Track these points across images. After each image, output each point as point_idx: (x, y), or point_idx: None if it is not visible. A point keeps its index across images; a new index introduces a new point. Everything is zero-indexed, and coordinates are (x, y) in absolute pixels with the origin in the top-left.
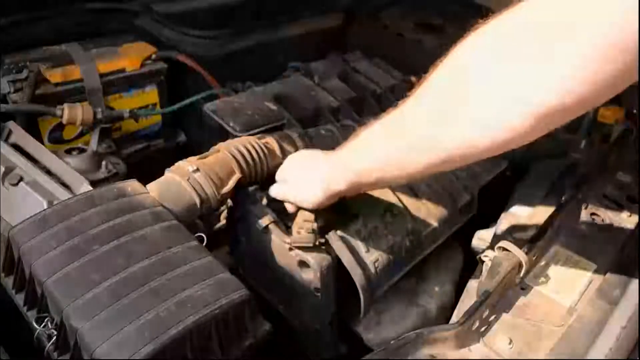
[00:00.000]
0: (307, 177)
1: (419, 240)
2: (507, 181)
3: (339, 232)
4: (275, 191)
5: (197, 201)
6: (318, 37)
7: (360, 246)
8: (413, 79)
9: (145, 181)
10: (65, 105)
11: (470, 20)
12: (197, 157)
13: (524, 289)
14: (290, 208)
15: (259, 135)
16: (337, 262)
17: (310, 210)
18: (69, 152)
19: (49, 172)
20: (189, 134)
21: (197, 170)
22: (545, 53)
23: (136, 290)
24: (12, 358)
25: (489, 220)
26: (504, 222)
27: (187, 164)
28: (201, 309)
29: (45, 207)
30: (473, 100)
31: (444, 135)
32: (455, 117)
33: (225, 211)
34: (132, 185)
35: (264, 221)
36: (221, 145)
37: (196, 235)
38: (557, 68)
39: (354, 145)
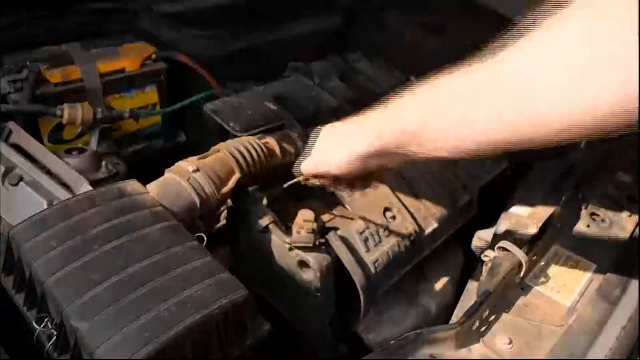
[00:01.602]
0: (331, 143)
1: (419, 240)
2: (507, 181)
3: (339, 232)
4: (304, 164)
5: (197, 201)
6: (318, 37)
7: (360, 246)
8: (413, 79)
9: (145, 181)
10: (65, 105)
11: (470, 20)
12: (197, 157)
13: (524, 289)
14: (323, 180)
15: (259, 135)
16: (337, 262)
17: (311, 210)
18: (69, 152)
19: (49, 172)
20: (189, 134)
21: (197, 170)
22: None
23: (136, 290)
24: (12, 358)
25: (489, 220)
26: (504, 222)
27: (187, 164)
28: (201, 309)
29: (45, 207)
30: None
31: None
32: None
33: (225, 211)
34: (132, 185)
35: (264, 221)
36: (221, 145)
37: (196, 235)
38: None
39: (381, 108)
